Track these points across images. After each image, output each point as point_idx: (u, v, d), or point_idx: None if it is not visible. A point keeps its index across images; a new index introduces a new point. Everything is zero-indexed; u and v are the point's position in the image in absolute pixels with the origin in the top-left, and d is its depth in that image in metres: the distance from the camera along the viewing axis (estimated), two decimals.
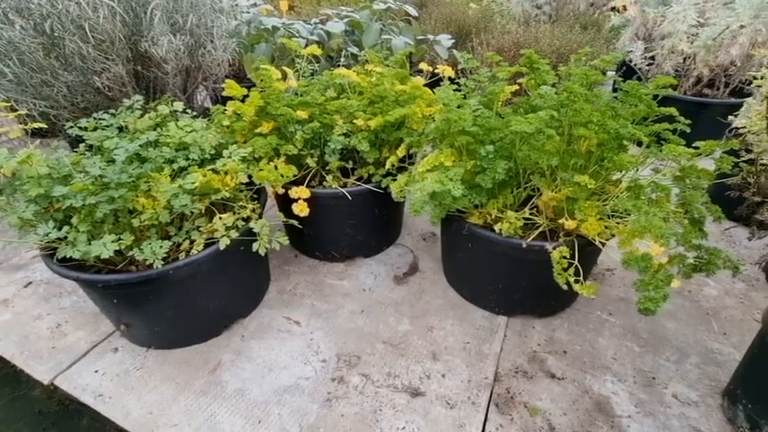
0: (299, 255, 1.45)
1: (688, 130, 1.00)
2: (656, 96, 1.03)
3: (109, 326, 1.18)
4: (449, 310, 1.23)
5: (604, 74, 1.03)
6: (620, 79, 1.07)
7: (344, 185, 1.23)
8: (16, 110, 0.99)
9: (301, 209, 1.10)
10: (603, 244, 0.95)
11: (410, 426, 0.93)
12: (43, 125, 1.01)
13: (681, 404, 0.98)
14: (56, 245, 0.84)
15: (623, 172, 1.02)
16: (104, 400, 1.00)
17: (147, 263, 0.87)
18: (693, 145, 0.95)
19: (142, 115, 1.17)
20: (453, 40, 2.03)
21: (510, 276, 1.12)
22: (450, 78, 1.52)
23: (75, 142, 1.29)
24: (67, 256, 0.80)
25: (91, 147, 1.06)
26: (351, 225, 1.32)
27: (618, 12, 2.81)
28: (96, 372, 1.06)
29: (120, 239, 0.81)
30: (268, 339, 1.14)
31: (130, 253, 0.82)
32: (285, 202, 1.16)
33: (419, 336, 1.15)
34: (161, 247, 0.82)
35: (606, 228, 0.93)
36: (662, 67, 2.12)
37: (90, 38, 1.13)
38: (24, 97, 1.20)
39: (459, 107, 0.96)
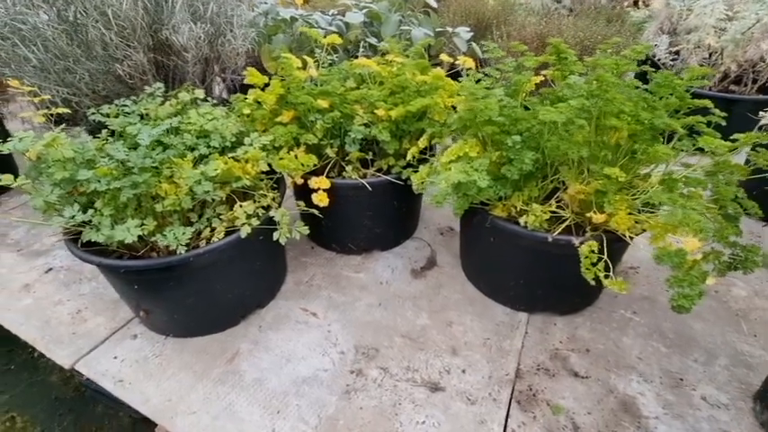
0: (315, 246, 1.44)
1: (723, 123, 0.96)
2: (687, 89, 0.99)
3: (128, 313, 1.18)
4: (468, 305, 1.21)
5: (639, 64, 1.00)
6: (652, 70, 1.04)
7: (364, 176, 1.22)
8: (40, 95, 0.99)
9: (321, 199, 1.09)
10: (631, 239, 0.92)
11: (430, 420, 0.92)
12: (67, 111, 1.01)
13: (710, 407, 0.94)
14: (80, 229, 0.84)
15: (653, 165, 0.98)
16: (124, 386, 1.00)
17: (170, 249, 0.86)
18: (730, 138, 0.91)
19: (163, 103, 1.17)
20: (472, 33, 2.00)
21: (532, 271, 1.09)
22: (471, 70, 1.49)
23: (95, 130, 1.29)
24: (91, 240, 0.80)
25: (113, 132, 1.06)
26: (369, 217, 1.31)
27: (638, 7, 2.75)
28: (116, 358, 1.07)
29: (143, 224, 0.80)
30: (285, 330, 1.13)
31: (153, 238, 0.82)
32: (304, 192, 1.15)
33: (438, 330, 1.13)
34: (184, 233, 0.81)
35: (636, 222, 0.90)
36: (687, 62, 2.05)
37: (113, 24, 1.13)
38: (47, 84, 1.21)
39: (484, 97, 0.93)
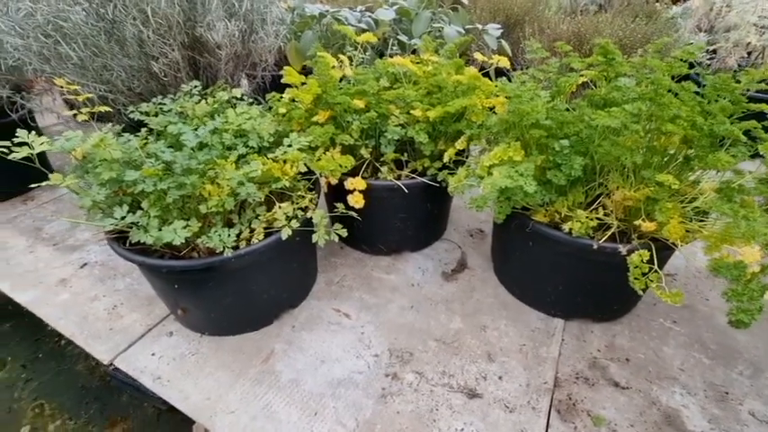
0: (344, 246, 1.44)
1: None
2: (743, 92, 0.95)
3: (163, 309, 1.19)
4: (501, 309, 1.20)
5: (691, 66, 0.96)
6: (705, 72, 1.00)
7: (398, 177, 1.20)
8: (82, 94, 1.00)
9: (357, 200, 1.08)
10: (676, 246, 0.89)
11: (469, 428, 0.91)
12: (108, 109, 1.02)
13: (759, 422, 0.92)
14: (125, 229, 0.84)
15: (704, 172, 0.95)
16: (162, 383, 1.01)
17: (211, 249, 0.86)
18: None
19: (199, 101, 1.16)
20: (501, 30, 1.96)
21: (572, 278, 1.07)
22: (500, 72, 1.46)
23: (129, 127, 1.30)
24: (141, 241, 0.80)
25: (151, 131, 1.06)
26: (401, 218, 1.29)
27: (670, 2, 2.66)
28: (153, 355, 1.08)
29: (187, 225, 0.80)
30: (319, 331, 1.13)
31: (199, 240, 0.82)
32: (338, 193, 1.14)
33: (472, 335, 1.12)
34: (229, 235, 0.81)
35: (687, 231, 0.87)
36: (725, 61, 1.99)
37: (151, 22, 1.13)
38: (85, 81, 1.22)
39: (531, 99, 0.91)
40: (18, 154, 0.78)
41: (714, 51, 2.09)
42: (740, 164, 0.96)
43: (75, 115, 0.99)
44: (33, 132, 0.83)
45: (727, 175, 0.96)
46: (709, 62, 2.08)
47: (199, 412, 0.94)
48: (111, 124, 1.55)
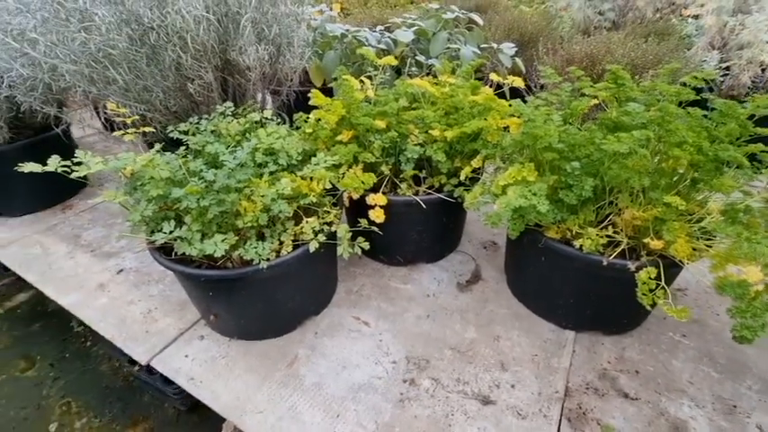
0: (363, 257, 1.50)
1: None
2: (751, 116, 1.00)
3: (194, 314, 1.27)
4: (514, 320, 1.24)
5: (697, 93, 1.01)
6: (713, 96, 1.04)
7: (416, 193, 1.27)
8: (131, 116, 1.09)
9: (378, 215, 1.15)
10: (683, 264, 0.93)
11: None
12: (152, 129, 1.11)
13: None
14: (167, 240, 0.92)
15: (713, 193, 0.99)
16: (196, 383, 1.08)
17: (244, 259, 0.94)
18: None
19: (231, 121, 1.25)
20: (516, 48, 2.02)
21: (583, 292, 1.12)
22: (513, 89, 1.52)
23: (166, 143, 1.39)
24: (186, 253, 0.88)
25: (188, 148, 1.15)
26: (418, 231, 1.36)
27: (681, 16, 2.69)
28: (186, 357, 1.16)
29: (226, 239, 0.88)
30: (339, 338, 1.20)
31: (236, 252, 0.89)
32: (358, 207, 1.21)
33: (486, 344, 1.17)
34: (264, 248, 0.88)
35: (694, 249, 0.91)
36: (739, 78, 2.01)
37: (190, 48, 1.23)
38: (128, 101, 1.32)
39: (544, 122, 0.97)
40: (79, 173, 0.87)
41: (728, 68, 2.11)
42: (751, 182, 1.00)
43: (123, 134, 1.09)
44: (88, 153, 0.92)
45: (735, 195, 1.01)
46: (722, 78, 2.11)
47: (229, 411, 1.01)
48: (144, 140, 1.66)
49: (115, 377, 2.60)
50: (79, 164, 0.91)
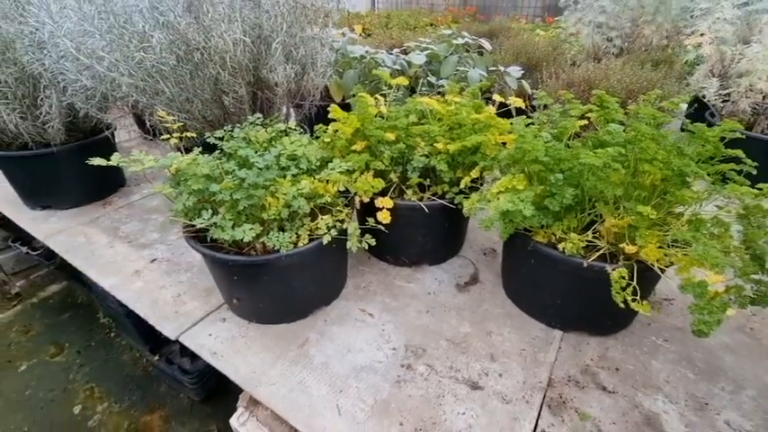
0: (371, 257, 1.64)
1: (754, 172, 1.07)
2: (722, 138, 1.11)
3: (217, 300, 1.43)
4: (507, 319, 1.35)
5: (690, 105, 1.12)
6: (688, 121, 1.16)
7: (421, 199, 1.41)
8: (178, 122, 1.27)
9: (385, 217, 1.29)
10: (663, 270, 1.04)
11: (469, 412, 1.06)
12: (194, 134, 1.29)
13: (732, 431, 1.02)
14: (202, 229, 1.08)
15: (685, 206, 1.10)
16: (218, 357, 1.22)
17: (267, 249, 1.09)
18: (758, 186, 1.02)
19: (259, 130, 1.43)
20: (522, 71, 2.17)
21: (568, 293, 1.22)
22: (520, 109, 1.66)
23: (202, 148, 1.57)
24: (212, 239, 1.03)
25: (222, 152, 1.32)
26: (422, 234, 1.49)
27: (682, 47, 2.79)
28: (210, 335, 1.30)
29: (252, 228, 1.04)
30: (346, 326, 1.33)
31: (261, 239, 1.04)
32: (368, 210, 1.35)
33: (478, 338, 1.28)
34: (285, 238, 1.03)
35: (665, 255, 1.02)
36: (738, 104, 2.10)
37: (228, 66, 1.41)
38: (172, 111, 1.51)
39: (534, 138, 1.10)
40: (135, 167, 1.04)
41: (728, 95, 2.21)
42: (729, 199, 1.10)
43: (167, 139, 1.27)
44: (142, 152, 1.10)
45: (710, 209, 1.11)
46: (722, 105, 2.20)
47: (247, 382, 1.15)
48: (176, 145, 1.85)
49: (135, 367, 2.79)
50: (134, 161, 1.09)
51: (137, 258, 1.67)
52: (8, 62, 1.60)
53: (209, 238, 1.16)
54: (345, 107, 1.47)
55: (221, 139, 1.35)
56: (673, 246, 1.06)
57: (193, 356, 2.03)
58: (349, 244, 1.18)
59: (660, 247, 1.02)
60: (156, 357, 2.09)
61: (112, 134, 2.08)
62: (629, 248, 1.03)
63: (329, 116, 1.38)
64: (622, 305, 1.00)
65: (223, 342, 1.28)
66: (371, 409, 1.07)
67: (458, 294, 1.46)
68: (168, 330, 1.33)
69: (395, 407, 1.08)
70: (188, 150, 1.24)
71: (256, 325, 1.33)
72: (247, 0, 1.47)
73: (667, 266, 1.04)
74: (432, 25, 6.35)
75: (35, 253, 2.74)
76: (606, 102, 1.20)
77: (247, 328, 1.32)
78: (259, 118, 1.43)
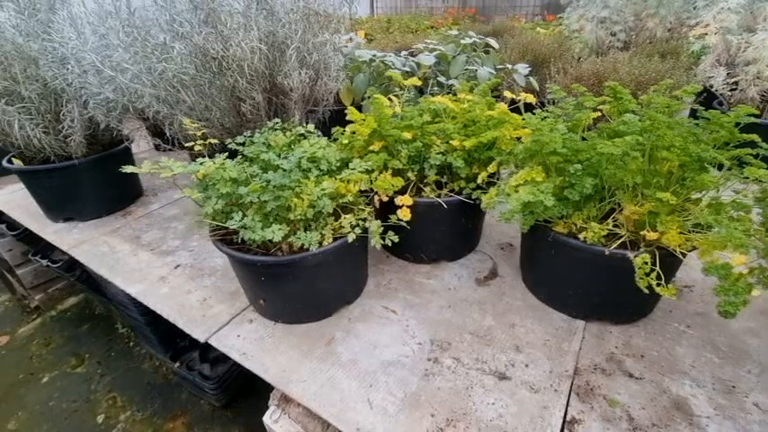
0: (390, 256, 1.67)
1: None
2: (737, 123, 1.12)
3: (243, 303, 1.45)
4: (528, 311, 1.37)
5: (698, 96, 1.14)
6: (701, 108, 1.18)
7: (438, 196, 1.43)
8: (201, 130, 1.31)
9: (404, 214, 1.31)
10: (684, 255, 1.05)
11: (499, 402, 1.08)
12: (216, 141, 1.33)
13: (762, 412, 1.03)
14: (230, 231, 1.11)
15: (703, 191, 1.12)
16: (247, 357, 1.25)
17: (293, 249, 1.12)
18: None
19: (278, 134, 1.46)
20: (530, 68, 2.19)
21: (589, 282, 1.24)
22: (529, 105, 1.69)
23: (213, 155, 1.61)
24: (240, 241, 1.06)
25: (244, 156, 1.36)
26: (440, 231, 1.51)
27: (687, 38, 2.81)
28: (238, 336, 1.33)
29: (281, 228, 1.06)
30: (370, 323, 1.35)
31: (289, 239, 1.07)
32: (387, 208, 1.37)
33: (502, 330, 1.30)
34: (312, 237, 1.06)
35: (687, 240, 1.04)
36: (746, 92, 2.11)
37: (246, 74, 1.45)
38: (192, 120, 1.55)
39: (550, 131, 1.13)
40: (165, 173, 1.08)
41: (736, 83, 2.22)
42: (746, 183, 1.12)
43: (192, 146, 1.31)
44: (171, 159, 1.14)
45: (729, 194, 1.12)
46: (731, 93, 2.21)
47: (277, 380, 1.17)
48: (191, 153, 1.89)
49: (156, 375, 2.82)
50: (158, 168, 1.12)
51: (161, 265, 1.71)
52: (31, 79, 1.66)
53: (235, 240, 1.19)
54: (356, 110, 1.50)
55: (242, 144, 1.39)
56: (693, 231, 1.07)
57: (213, 362, 2.06)
58: (373, 242, 1.21)
59: (681, 233, 1.04)
60: (177, 365, 2.12)
61: (129, 146, 2.13)
62: (651, 235, 1.05)
63: (346, 118, 1.41)
64: (647, 290, 1.01)
65: (251, 342, 1.30)
66: (402, 402, 1.09)
67: (478, 289, 1.48)
68: (197, 333, 1.36)
69: (425, 399, 1.10)
70: (209, 157, 1.27)
71: (282, 325, 1.35)
72: (262, 9, 1.51)
73: (689, 251, 1.06)
74: (432, 28, 6.41)
75: (55, 266, 2.79)
76: (619, 93, 1.22)
77: (274, 328, 1.34)
78: (278, 123, 1.46)
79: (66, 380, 2.59)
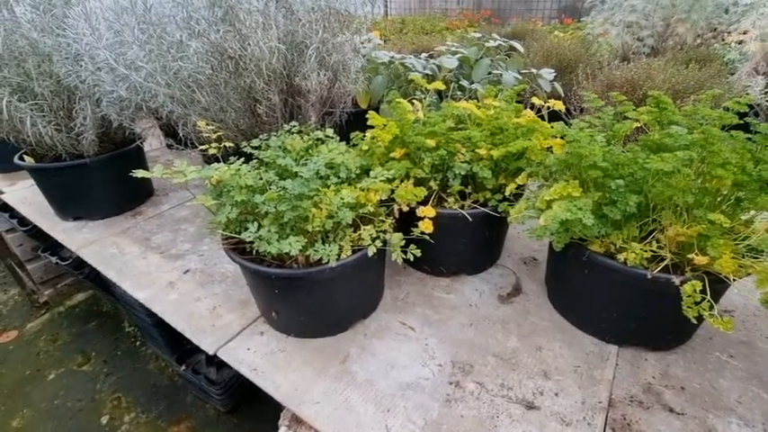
0: (406, 267, 1.59)
1: None
2: None
3: (254, 312, 1.39)
4: (556, 332, 1.28)
5: (740, 117, 1.06)
6: (755, 121, 1.08)
7: (462, 207, 1.35)
8: (213, 130, 1.25)
9: (427, 226, 1.24)
10: (734, 281, 0.96)
11: None
12: (232, 144, 1.27)
13: None
14: (242, 241, 1.05)
15: (756, 213, 1.02)
16: (258, 373, 1.18)
17: (310, 261, 1.05)
18: None
19: (295, 138, 1.40)
20: (555, 74, 2.10)
21: (626, 306, 1.15)
22: (554, 112, 1.60)
23: (236, 157, 1.55)
24: (254, 252, 1.00)
25: (260, 160, 1.29)
26: (462, 244, 1.43)
27: (725, 44, 2.69)
28: (248, 349, 1.27)
29: (298, 240, 1.00)
30: (387, 340, 1.28)
31: (307, 252, 1.01)
32: (406, 219, 1.30)
33: (528, 354, 1.22)
34: (332, 250, 0.99)
35: (740, 266, 0.95)
36: None
37: (263, 74, 1.39)
38: (205, 120, 1.49)
39: (589, 143, 1.04)
40: (178, 179, 1.02)
41: None
42: None
43: (206, 149, 1.25)
44: (185, 163, 1.08)
45: None
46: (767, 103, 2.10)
47: (289, 400, 1.10)
48: (204, 155, 1.83)
49: (161, 376, 2.77)
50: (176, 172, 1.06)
51: (170, 269, 1.65)
52: (44, 75, 1.62)
53: (248, 250, 1.13)
54: (375, 113, 1.43)
55: (257, 148, 1.33)
56: (747, 255, 0.98)
57: (219, 366, 2.01)
58: (393, 256, 1.14)
59: (734, 258, 0.95)
60: (183, 367, 2.08)
61: (141, 145, 2.08)
62: (699, 259, 0.96)
63: (367, 123, 1.34)
64: (695, 321, 0.92)
65: (262, 357, 1.24)
66: (422, 431, 1.02)
67: (501, 306, 1.40)
68: (206, 345, 1.30)
69: (446, 428, 1.02)
70: (223, 159, 1.21)
71: (295, 339, 1.29)
72: (281, 7, 1.45)
73: (742, 278, 0.96)
74: (448, 29, 6.32)
75: (65, 263, 2.77)
76: (664, 103, 1.13)
77: (286, 341, 1.28)
78: (294, 126, 1.40)
79: (72, 378, 2.56)
